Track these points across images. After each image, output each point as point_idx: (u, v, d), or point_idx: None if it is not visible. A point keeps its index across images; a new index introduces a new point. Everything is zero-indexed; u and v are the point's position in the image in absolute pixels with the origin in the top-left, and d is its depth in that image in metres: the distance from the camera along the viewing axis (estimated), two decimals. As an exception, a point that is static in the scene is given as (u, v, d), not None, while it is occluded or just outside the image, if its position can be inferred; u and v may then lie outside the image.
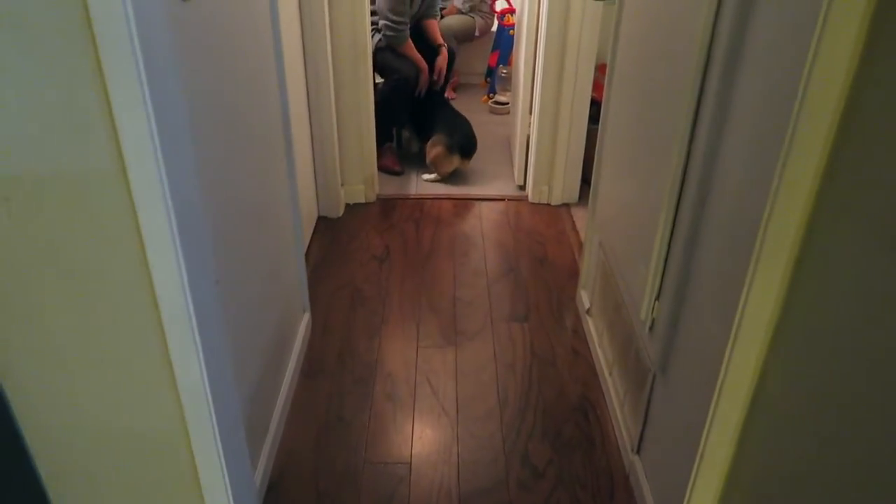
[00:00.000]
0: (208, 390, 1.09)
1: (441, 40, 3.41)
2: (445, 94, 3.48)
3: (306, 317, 2.15)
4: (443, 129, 3.25)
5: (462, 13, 4.09)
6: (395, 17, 3.05)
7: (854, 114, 0.74)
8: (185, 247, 0.98)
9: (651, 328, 1.49)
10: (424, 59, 3.23)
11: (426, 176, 3.32)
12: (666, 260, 1.40)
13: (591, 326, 2.15)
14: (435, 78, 3.34)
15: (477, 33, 4.18)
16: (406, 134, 3.53)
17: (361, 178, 3.02)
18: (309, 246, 2.69)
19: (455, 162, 3.26)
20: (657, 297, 1.45)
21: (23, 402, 1.09)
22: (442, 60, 3.36)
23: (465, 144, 3.27)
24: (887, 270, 0.69)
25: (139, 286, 0.99)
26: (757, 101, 1.04)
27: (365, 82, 2.80)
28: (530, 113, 3.02)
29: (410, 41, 3.16)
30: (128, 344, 1.04)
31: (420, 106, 3.32)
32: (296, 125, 2.27)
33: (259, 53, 1.57)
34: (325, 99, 2.68)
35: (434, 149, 3.23)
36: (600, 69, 2.80)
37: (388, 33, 3.08)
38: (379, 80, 3.27)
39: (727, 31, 1.12)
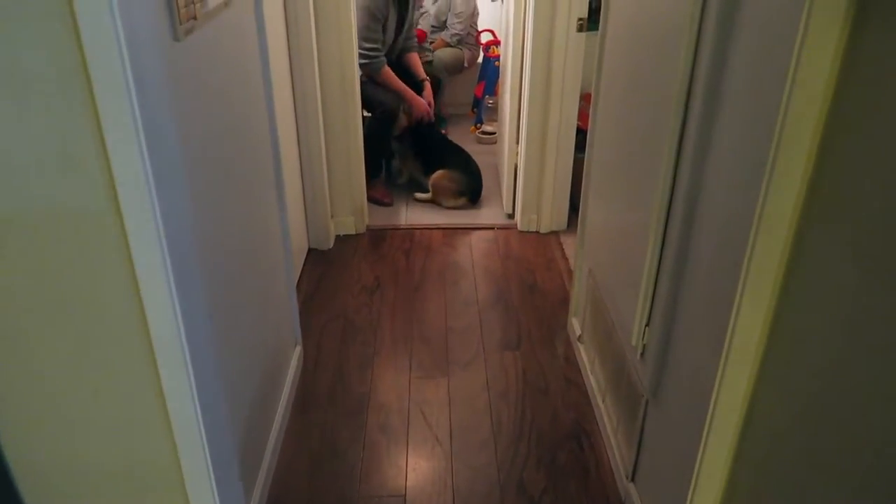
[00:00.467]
0: (201, 425, 1.09)
1: (423, 74, 3.45)
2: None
3: (298, 349, 2.14)
4: (456, 167, 3.31)
5: (450, 46, 4.17)
6: (367, 45, 3.07)
7: (832, 141, 0.76)
8: (179, 282, 0.98)
9: (642, 354, 1.50)
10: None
11: (419, 195, 3.37)
12: (655, 285, 1.42)
13: (583, 353, 2.16)
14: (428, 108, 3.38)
15: (466, 64, 4.26)
16: (396, 164, 3.56)
17: (351, 210, 3.03)
18: (299, 278, 2.69)
19: (459, 202, 3.32)
20: (647, 323, 1.46)
21: (12, 437, 1.08)
22: (428, 95, 3.40)
23: (474, 190, 3.34)
24: (868, 292, 0.70)
25: (133, 322, 0.99)
26: (739, 126, 1.06)
27: (353, 115, 2.83)
28: (517, 142, 3.05)
29: (388, 68, 3.19)
30: (121, 379, 1.04)
31: (424, 142, 3.37)
32: (285, 158, 2.29)
33: (249, 88, 1.59)
34: (314, 131, 2.70)
35: (443, 182, 3.29)
36: (585, 98, 2.84)
37: (363, 62, 3.08)
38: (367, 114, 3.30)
39: (708, 58, 1.15)
